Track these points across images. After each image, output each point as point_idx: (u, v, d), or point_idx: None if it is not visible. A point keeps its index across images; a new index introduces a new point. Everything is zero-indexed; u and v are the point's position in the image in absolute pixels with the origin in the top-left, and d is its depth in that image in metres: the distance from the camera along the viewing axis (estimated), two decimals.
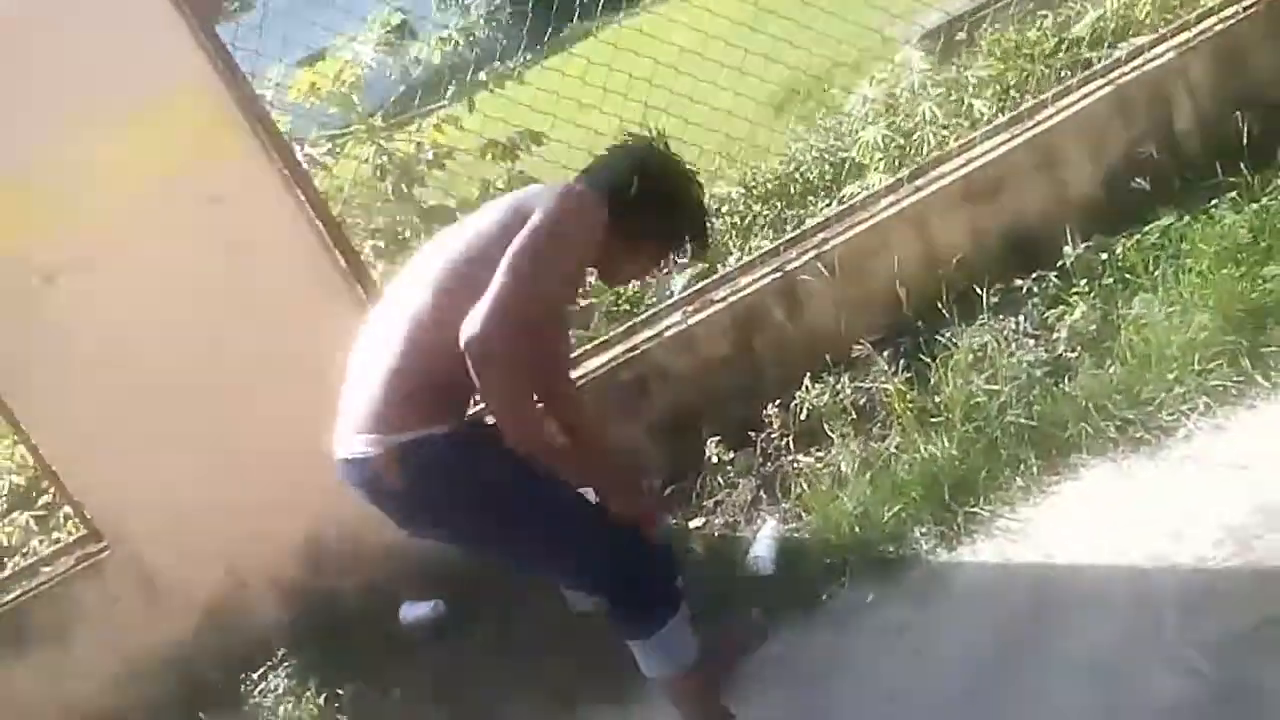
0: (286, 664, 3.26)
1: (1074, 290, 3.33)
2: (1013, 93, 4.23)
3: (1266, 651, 2.18)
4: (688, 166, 2.52)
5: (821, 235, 3.68)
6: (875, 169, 4.17)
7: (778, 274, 3.60)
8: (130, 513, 3.45)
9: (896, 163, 4.03)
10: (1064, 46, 4.37)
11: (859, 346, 3.36)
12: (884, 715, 2.47)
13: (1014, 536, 2.79)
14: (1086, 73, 3.76)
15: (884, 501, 2.99)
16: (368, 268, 3.62)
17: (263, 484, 3.40)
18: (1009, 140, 3.68)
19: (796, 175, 4.98)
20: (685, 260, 2.97)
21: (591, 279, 2.92)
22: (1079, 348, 3.20)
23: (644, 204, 2.33)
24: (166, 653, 3.48)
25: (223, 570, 3.50)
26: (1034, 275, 3.44)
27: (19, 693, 3.50)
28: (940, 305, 3.41)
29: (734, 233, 4.80)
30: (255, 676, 3.26)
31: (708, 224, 2.51)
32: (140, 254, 3.21)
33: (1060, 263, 3.42)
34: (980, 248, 3.62)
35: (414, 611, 3.44)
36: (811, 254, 3.60)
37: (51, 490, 3.71)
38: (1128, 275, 3.31)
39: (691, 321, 3.61)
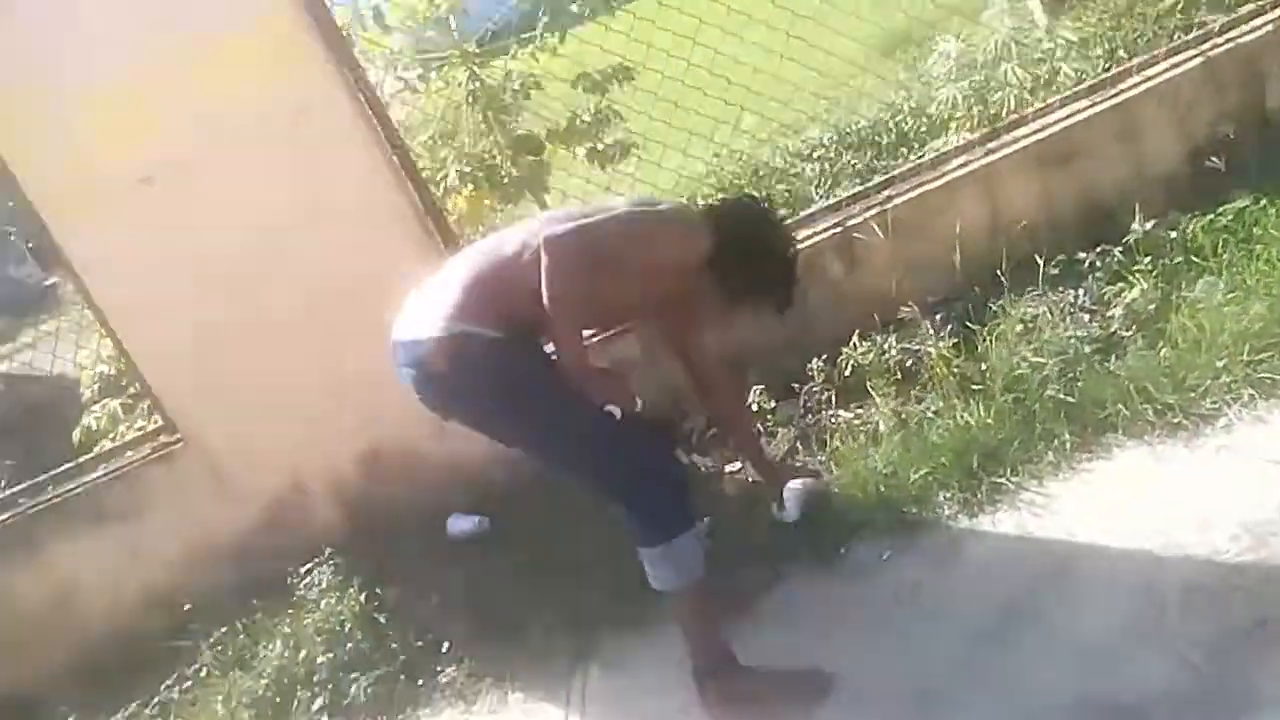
0: (333, 562, 3.44)
1: (1137, 267, 3.26)
2: (1121, 53, 4.07)
3: (1261, 651, 2.18)
4: (787, 229, 2.90)
5: (886, 193, 3.66)
6: (955, 127, 4.09)
7: (837, 229, 3.60)
8: (205, 410, 3.67)
9: (975, 123, 3.95)
10: (1181, 8, 4.19)
11: (908, 308, 3.36)
12: (882, 670, 2.53)
13: (1037, 510, 2.80)
14: (1175, 43, 3.63)
15: (914, 463, 3.02)
16: (433, 192, 3.73)
17: (331, 395, 3.58)
18: (1089, 108, 3.59)
19: (890, 125, 4.93)
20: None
21: None
22: (1133, 326, 3.15)
23: (744, 257, 2.56)
24: (228, 542, 3.72)
25: (287, 473, 3.71)
26: (1099, 249, 3.38)
27: (98, 564, 3.78)
28: (1000, 272, 3.39)
29: (821, 179, 4.80)
30: (303, 571, 3.44)
31: (795, 286, 2.70)
32: (222, 167, 3.38)
33: (1127, 238, 3.35)
34: (1048, 216, 3.56)
35: (460, 525, 3.61)
36: (874, 211, 3.60)
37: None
38: (1194, 256, 3.24)
39: None
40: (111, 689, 3.50)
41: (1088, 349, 3.11)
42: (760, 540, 3.07)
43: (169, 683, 3.39)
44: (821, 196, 4.46)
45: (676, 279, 2.60)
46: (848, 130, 5.19)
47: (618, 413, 2.46)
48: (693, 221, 2.56)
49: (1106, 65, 3.95)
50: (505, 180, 4.87)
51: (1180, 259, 3.25)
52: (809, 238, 3.66)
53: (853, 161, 4.85)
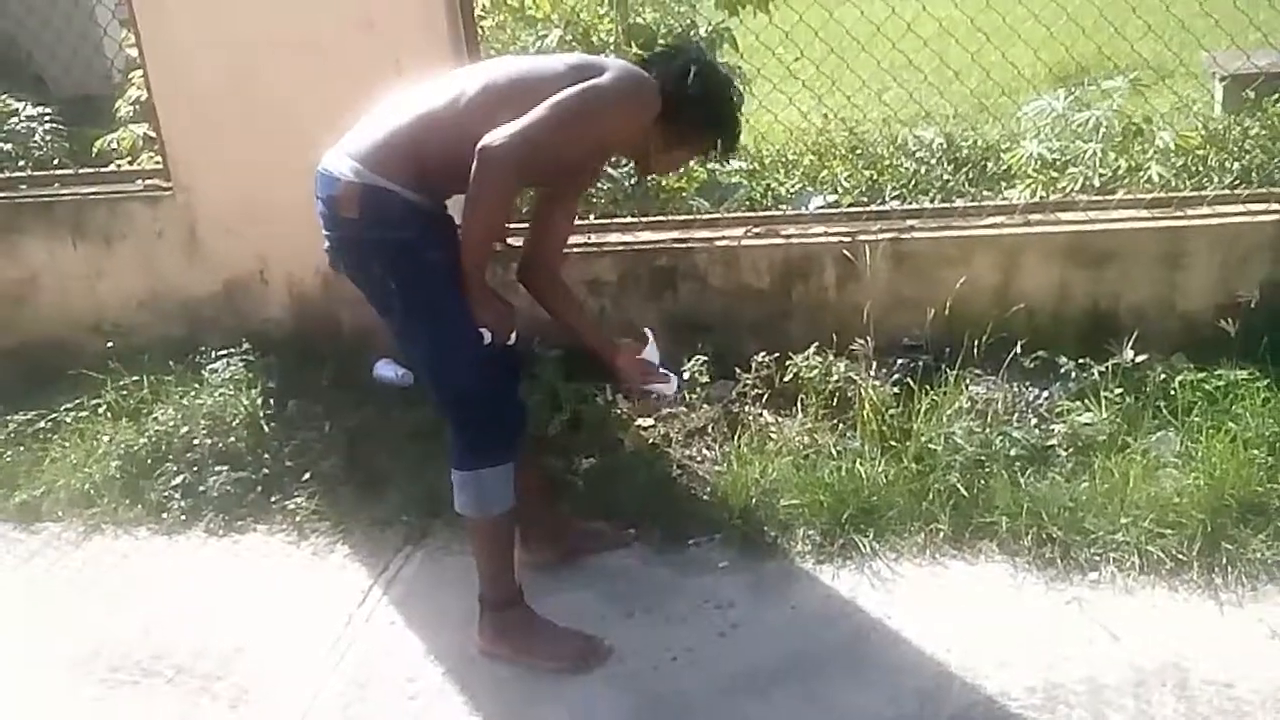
0: (249, 357, 3.54)
1: (1105, 393, 3.13)
2: (1254, 175, 3.82)
3: None
4: (733, 77, 2.65)
5: (910, 221, 3.54)
6: (1022, 185, 3.90)
7: (846, 238, 3.50)
8: (202, 171, 3.75)
9: (1035, 189, 3.77)
10: None
11: (865, 343, 3.27)
12: (652, 668, 2.53)
13: (877, 582, 2.76)
14: (1259, 189, 3.40)
15: (795, 490, 2.99)
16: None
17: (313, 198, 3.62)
18: (1144, 219, 3.41)
19: (1000, 155, 4.79)
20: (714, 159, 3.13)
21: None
22: (1070, 449, 3.05)
23: (695, 107, 2.48)
24: (178, 301, 3.87)
25: (254, 260, 3.80)
26: (1081, 360, 3.24)
27: (61, 271, 3.96)
28: (977, 343, 3.27)
29: (910, 181, 4.69)
30: (218, 353, 3.55)
31: (740, 133, 2.61)
32: None
33: (1113, 361, 3.21)
34: (1052, 309, 3.42)
35: (386, 371, 3.67)
36: (889, 235, 3.49)
37: None
38: (1164, 407, 3.09)
39: (746, 243, 3.58)
40: (20, 388, 3.69)
41: (1012, 452, 3.02)
42: (631, 501, 3.08)
43: (69, 405, 3.55)
44: (894, 197, 4.38)
45: (621, 149, 2.63)
46: (960, 144, 5.07)
47: (488, 336, 2.43)
48: (642, 87, 2.43)
49: (1209, 183, 3.71)
50: None
51: (1151, 403, 3.11)
52: (820, 234, 3.57)
53: (945, 175, 4.75)
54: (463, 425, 2.50)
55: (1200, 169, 3.96)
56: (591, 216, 4.25)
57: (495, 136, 2.24)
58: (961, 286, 3.37)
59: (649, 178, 3.43)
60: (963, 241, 3.45)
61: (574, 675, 2.53)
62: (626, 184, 4.78)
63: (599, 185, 4.66)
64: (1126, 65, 4.85)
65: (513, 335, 2.51)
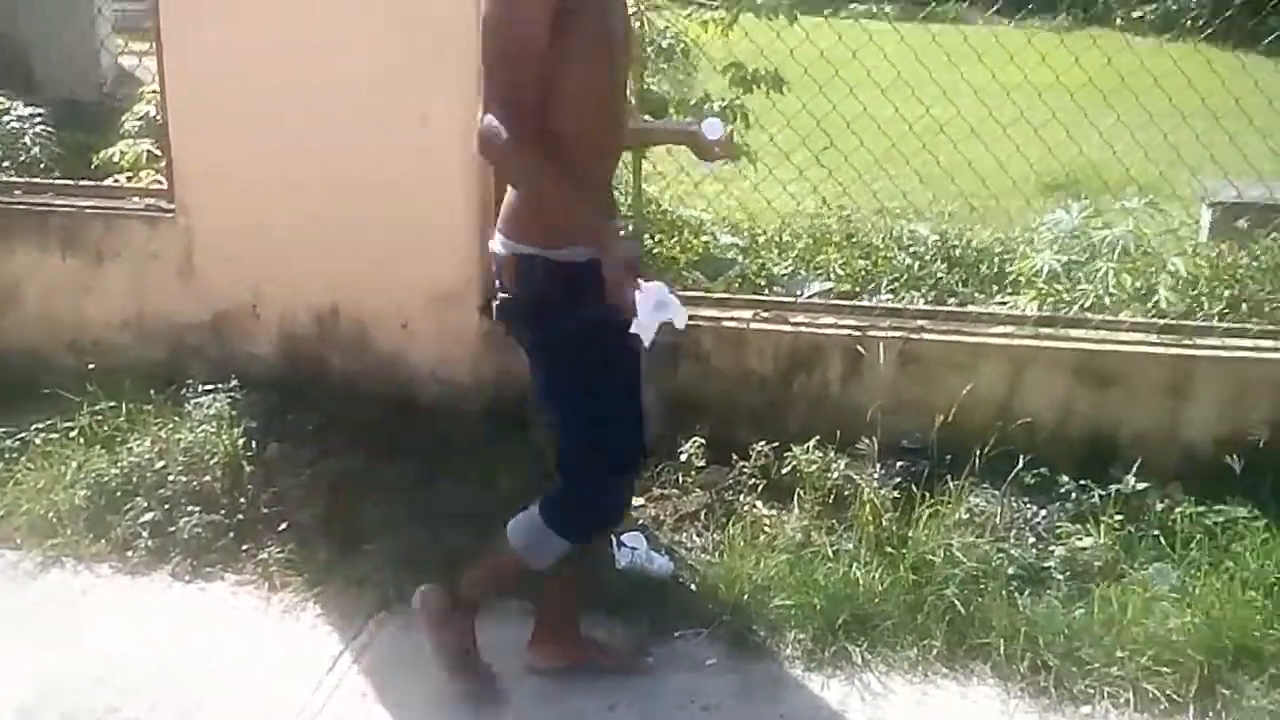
0: (235, 395, 3.42)
1: (1105, 519, 3.09)
2: (1244, 307, 3.82)
3: None
4: None
5: (921, 322, 3.51)
6: (1028, 297, 3.90)
7: (856, 333, 3.47)
8: (207, 198, 3.65)
9: (1044, 302, 3.76)
10: None
11: (867, 442, 3.22)
12: None
13: (867, 696, 2.68)
14: (1269, 326, 3.41)
15: (789, 590, 2.91)
16: None
17: (314, 240, 3.54)
18: (1153, 344, 3.40)
19: (994, 259, 4.81)
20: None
21: None
22: (1067, 573, 3.00)
23: None
24: (167, 327, 3.74)
25: (249, 293, 3.69)
26: (1082, 482, 3.21)
27: (47, 284, 3.84)
28: (979, 454, 3.23)
29: (903, 275, 4.68)
30: (205, 388, 3.43)
31: None
32: None
33: (1115, 487, 3.18)
34: (1056, 426, 3.39)
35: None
36: (901, 334, 3.45)
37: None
38: (1164, 539, 3.06)
39: (753, 327, 3.53)
40: None
41: (1010, 570, 2.97)
42: (615, 584, 2.99)
43: (40, 425, 3.41)
44: (889, 290, 4.36)
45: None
46: (955, 244, 5.08)
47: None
48: None
49: (1217, 312, 3.71)
50: None
51: (1149, 533, 3.08)
52: (828, 326, 3.53)
53: (937, 274, 4.74)
54: (568, 496, 2.49)
55: (1201, 296, 3.97)
56: None
57: (480, 116, 2.11)
58: (967, 394, 3.33)
59: None
60: (973, 348, 3.43)
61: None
62: None
63: None
64: (1115, 182, 4.92)
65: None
